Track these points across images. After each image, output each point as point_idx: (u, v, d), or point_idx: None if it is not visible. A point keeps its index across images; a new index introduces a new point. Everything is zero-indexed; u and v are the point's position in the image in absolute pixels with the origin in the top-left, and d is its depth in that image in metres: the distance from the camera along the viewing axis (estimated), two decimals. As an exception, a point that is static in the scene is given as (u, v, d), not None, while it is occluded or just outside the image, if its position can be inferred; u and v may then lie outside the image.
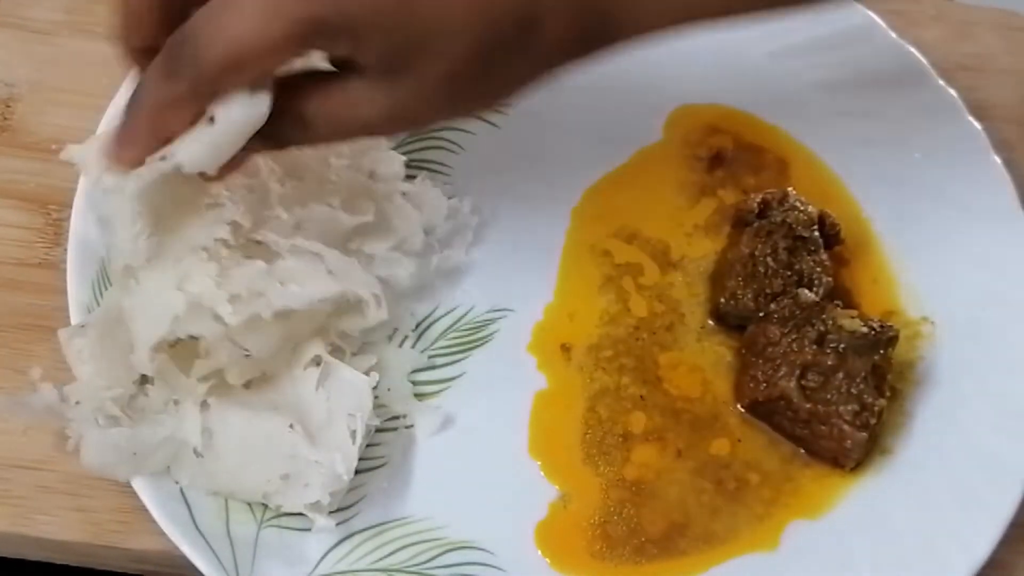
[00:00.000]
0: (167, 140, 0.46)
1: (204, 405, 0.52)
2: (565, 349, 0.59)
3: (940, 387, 0.59)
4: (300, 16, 0.43)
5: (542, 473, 0.56)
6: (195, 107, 0.45)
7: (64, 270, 0.56)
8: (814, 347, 0.56)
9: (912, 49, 0.67)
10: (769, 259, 0.60)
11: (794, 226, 0.60)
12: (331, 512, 0.52)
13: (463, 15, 0.44)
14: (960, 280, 0.62)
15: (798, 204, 0.61)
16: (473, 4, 0.44)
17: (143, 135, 0.46)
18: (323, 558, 0.52)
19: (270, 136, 0.47)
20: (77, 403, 0.51)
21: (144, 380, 0.53)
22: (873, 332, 0.56)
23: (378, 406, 0.53)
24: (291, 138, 0.48)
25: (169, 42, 0.45)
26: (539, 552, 0.54)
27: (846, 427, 0.55)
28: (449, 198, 0.60)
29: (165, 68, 0.45)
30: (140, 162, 0.47)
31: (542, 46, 0.46)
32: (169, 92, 0.45)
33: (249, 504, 0.52)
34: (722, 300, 0.60)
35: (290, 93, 0.46)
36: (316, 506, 0.51)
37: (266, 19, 0.43)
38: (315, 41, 0.44)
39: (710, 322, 0.61)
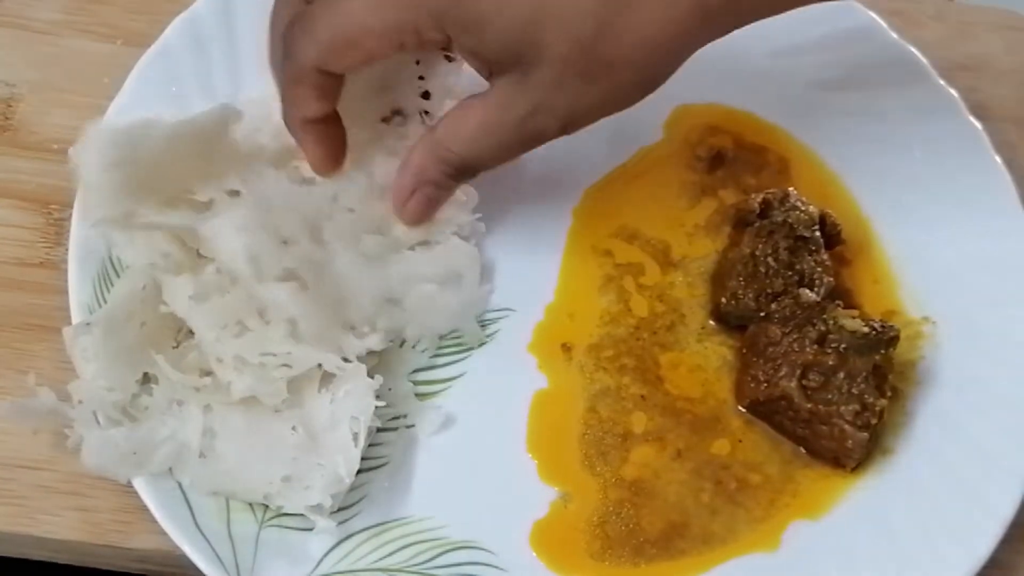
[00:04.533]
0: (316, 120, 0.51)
1: (207, 407, 0.52)
2: (566, 349, 0.59)
3: (941, 387, 0.59)
4: (416, 3, 0.46)
5: (538, 473, 0.56)
6: (313, 83, 0.49)
7: (65, 270, 0.56)
8: (815, 347, 0.56)
9: (912, 49, 0.67)
10: (770, 259, 0.60)
11: (795, 226, 0.60)
12: (332, 512, 0.52)
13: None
14: (960, 280, 0.62)
15: (799, 204, 0.61)
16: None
17: (290, 114, 0.51)
18: (324, 557, 0.52)
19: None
20: (80, 402, 0.51)
21: (147, 380, 0.53)
22: (874, 332, 0.56)
23: (379, 406, 0.53)
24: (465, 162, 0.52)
25: (289, 23, 0.48)
26: (534, 554, 0.54)
27: (847, 427, 0.55)
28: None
29: (285, 50, 0.49)
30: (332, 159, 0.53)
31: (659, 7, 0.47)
32: (288, 72, 0.49)
33: (250, 504, 0.52)
34: (723, 300, 0.60)
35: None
36: (317, 508, 0.51)
37: (383, 6, 0.46)
38: (433, 32, 0.46)
39: (711, 322, 0.61)
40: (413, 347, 0.58)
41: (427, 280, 0.56)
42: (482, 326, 0.59)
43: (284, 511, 0.52)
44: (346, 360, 0.53)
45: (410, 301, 0.56)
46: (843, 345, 0.56)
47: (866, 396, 0.55)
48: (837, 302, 0.59)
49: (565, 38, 0.47)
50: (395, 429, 0.56)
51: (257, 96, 0.59)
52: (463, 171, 0.53)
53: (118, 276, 0.55)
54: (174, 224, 0.52)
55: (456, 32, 0.47)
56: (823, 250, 0.61)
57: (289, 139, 0.55)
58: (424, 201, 0.55)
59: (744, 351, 0.59)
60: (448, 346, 0.59)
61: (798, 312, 0.58)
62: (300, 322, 0.52)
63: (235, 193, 0.54)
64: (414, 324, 0.57)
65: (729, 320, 0.60)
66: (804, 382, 0.56)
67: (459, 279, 0.57)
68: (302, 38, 0.48)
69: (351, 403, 0.53)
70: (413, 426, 0.56)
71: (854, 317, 0.57)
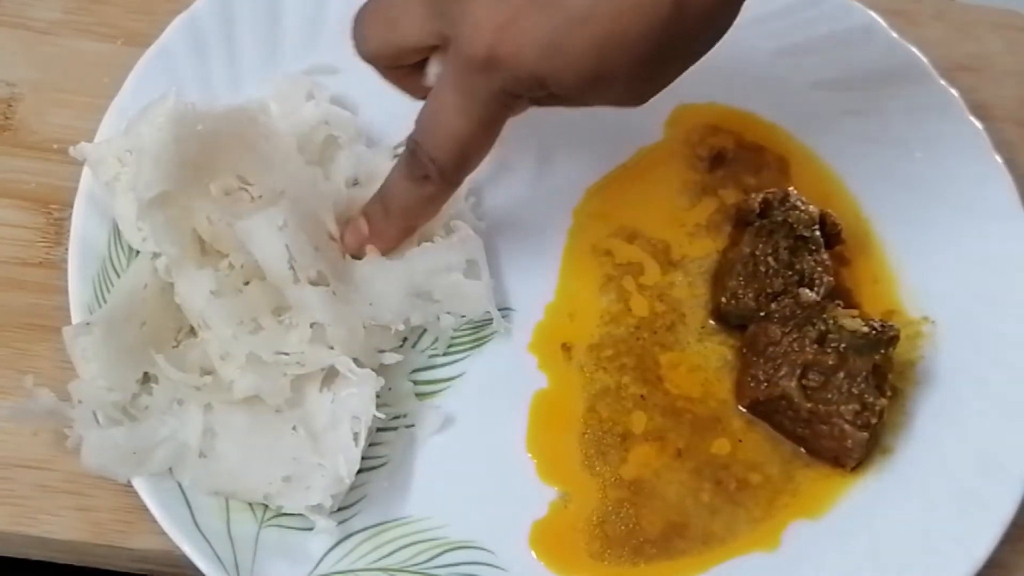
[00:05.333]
0: (414, 228, 0.55)
1: (208, 406, 0.52)
2: (566, 349, 0.59)
3: (940, 387, 0.59)
4: (489, 97, 0.47)
5: (538, 473, 0.56)
6: (447, 198, 0.53)
7: (65, 269, 0.56)
8: (815, 347, 0.56)
9: (913, 49, 0.67)
10: (770, 259, 0.60)
11: (795, 226, 0.60)
12: (332, 512, 0.52)
13: (625, 26, 0.45)
14: (960, 280, 0.62)
15: (799, 204, 0.61)
16: (618, 20, 0.45)
17: (398, 229, 0.55)
18: (324, 557, 0.52)
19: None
20: (80, 402, 0.51)
21: (147, 379, 0.53)
22: (874, 332, 0.56)
23: (380, 406, 0.54)
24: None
25: (408, 146, 0.51)
26: (534, 553, 0.54)
27: (847, 427, 0.55)
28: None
29: (413, 173, 0.52)
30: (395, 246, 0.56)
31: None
32: (424, 192, 0.52)
33: (250, 503, 0.52)
34: (723, 300, 0.60)
35: None
36: (317, 508, 0.51)
37: (466, 111, 0.48)
38: (515, 104, 0.48)
39: (711, 322, 0.61)
40: (414, 346, 0.58)
41: (452, 269, 0.57)
42: (482, 325, 0.59)
43: (284, 511, 0.52)
44: (359, 364, 0.53)
45: (439, 292, 0.56)
46: (843, 345, 0.56)
47: (866, 396, 0.55)
48: (837, 302, 0.59)
49: (630, 70, 0.47)
50: (395, 429, 0.56)
51: (289, 85, 0.59)
52: None
53: (118, 276, 0.55)
54: (219, 213, 0.52)
55: (532, 95, 0.49)
56: (823, 250, 0.61)
57: (320, 134, 0.58)
58: None
59: (744, 351, 0.59)
60: (448, 346, 0.59)
61: (798, 312, 0.58)
62: (328, 328, 0.52)
63: (271, 190, 0.54)
64: (447, 313, 0.57)
65: (729, 320, 0.60)
66: (804, 382, 0.56)
67: (476, 266, 0.58)
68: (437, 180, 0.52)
69: (352, 403, 0.53)
70: (413, 426, 0.56)
71: (854, 317, 0.57)
